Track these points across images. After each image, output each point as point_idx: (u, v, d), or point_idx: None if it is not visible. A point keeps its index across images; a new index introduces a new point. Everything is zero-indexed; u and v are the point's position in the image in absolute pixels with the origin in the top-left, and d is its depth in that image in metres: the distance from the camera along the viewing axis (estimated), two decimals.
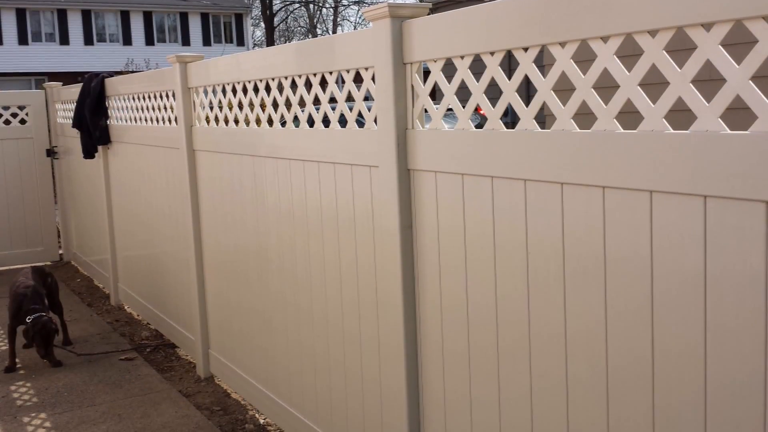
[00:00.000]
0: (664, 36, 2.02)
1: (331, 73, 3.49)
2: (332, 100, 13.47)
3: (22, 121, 9.13)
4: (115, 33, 38.22)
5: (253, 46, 44.01)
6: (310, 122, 7.88)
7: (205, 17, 40.42)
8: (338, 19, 49.95)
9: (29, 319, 5.50)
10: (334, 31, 48.14)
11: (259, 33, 49.69)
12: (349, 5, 48.52)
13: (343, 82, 3.44)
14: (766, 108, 1.81)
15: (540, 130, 2.41)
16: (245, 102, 4.33)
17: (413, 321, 3.09)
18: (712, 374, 1.97)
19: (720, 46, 1.90)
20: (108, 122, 7.05)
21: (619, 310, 2.20)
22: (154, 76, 5.80)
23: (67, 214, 9.37)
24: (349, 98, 17.90)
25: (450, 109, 2.88)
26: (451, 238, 2.84)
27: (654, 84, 2.32)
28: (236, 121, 4.50)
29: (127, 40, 38.33)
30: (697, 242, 1.97)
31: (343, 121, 8.29)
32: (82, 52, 37.06)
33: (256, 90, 4.24)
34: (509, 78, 2.55)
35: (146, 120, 6.07)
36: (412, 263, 3.07)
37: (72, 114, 7.74)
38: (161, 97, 5.66)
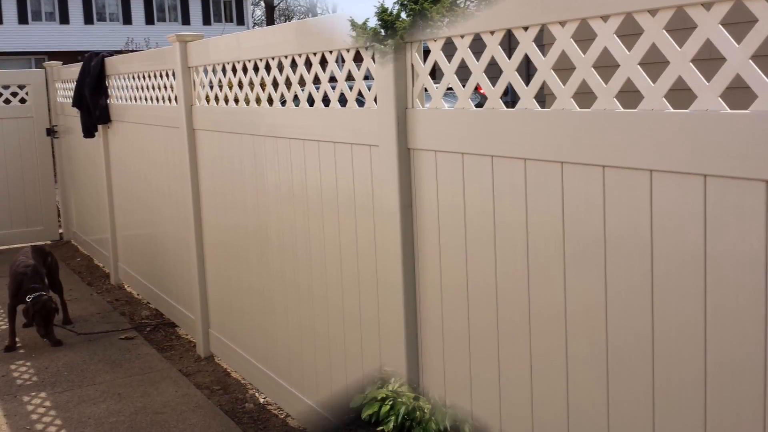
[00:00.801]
0: (664, 15, 2.01)
1: (331, 52, 3.48)
2: (332, 79, 13.41)
3: (22, 101, 9.11)
4: (115, 12, 38.00)
5: (254, 26, 43.80)
6: (310, 101, 7.85)
7: None
8: None
9: (29, 298, 5.51)
10: (334, 11, 47.91)
11: (259, 12, 49.44)
12: None
13: (343, 61, 3.43)
14: (766, 87, 1.80)
15: (540, 109, 2.41)
16: (245, 81, 4.32)
17: (413, 300, 3.10)
18: (712, 353, 1.98)
19: (720, 26, 1.89)
20: (108, 101, 7.03)
21: (619, 289, 2.21)
22: (154, 55, 5.78)
23: (67, 193, 9.36)
24: (349, 77, 17.80)
25: (450, 89, 2.87)
26: (451, 217, 2.84)
27: (654, 63, 2.32)
28: (236, 101, 4.48)
29: (127, 20, 38.11)
30: (697, 221, 1.97)
31: (343, 101, 8.27)
32: (82, 31, 36.86)
33: (256, 69, 4.22)
34: (509, 57, 2.54)
35: (146, 99, 6.06)
36: (412, 242, 3.07)
37: (72, 93, 7.72)
38: (161, 76, 5.64)
